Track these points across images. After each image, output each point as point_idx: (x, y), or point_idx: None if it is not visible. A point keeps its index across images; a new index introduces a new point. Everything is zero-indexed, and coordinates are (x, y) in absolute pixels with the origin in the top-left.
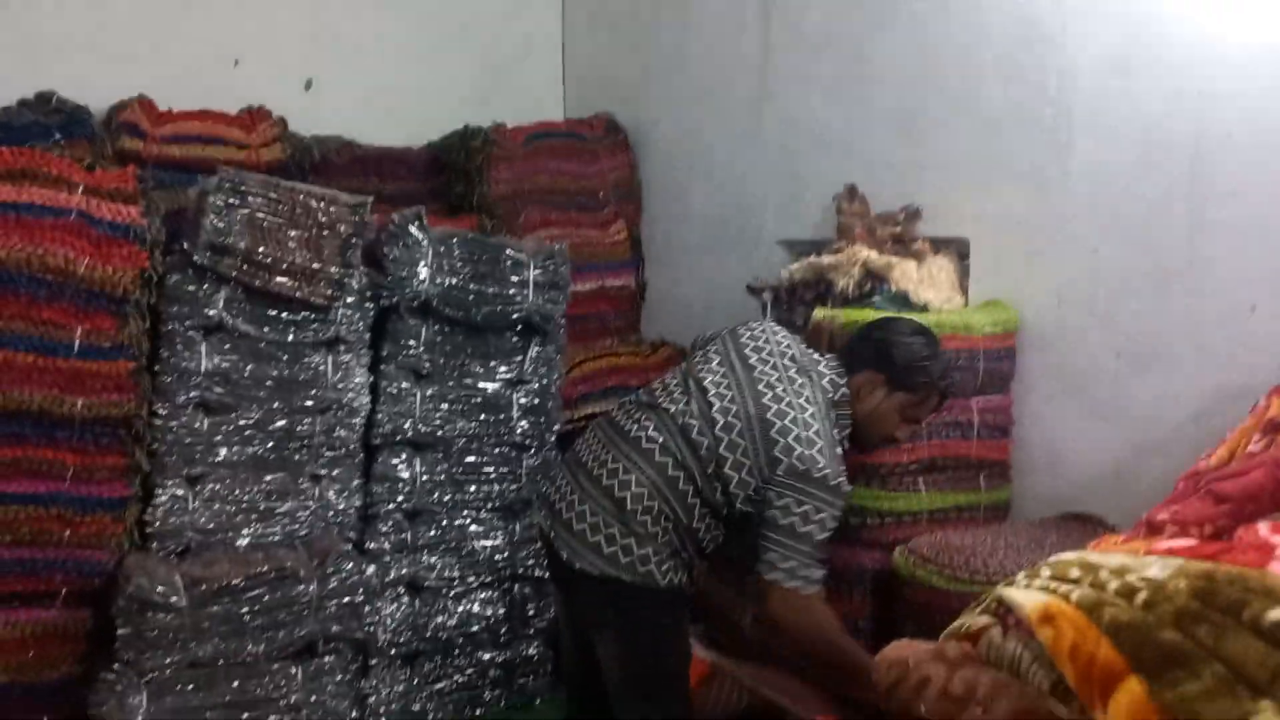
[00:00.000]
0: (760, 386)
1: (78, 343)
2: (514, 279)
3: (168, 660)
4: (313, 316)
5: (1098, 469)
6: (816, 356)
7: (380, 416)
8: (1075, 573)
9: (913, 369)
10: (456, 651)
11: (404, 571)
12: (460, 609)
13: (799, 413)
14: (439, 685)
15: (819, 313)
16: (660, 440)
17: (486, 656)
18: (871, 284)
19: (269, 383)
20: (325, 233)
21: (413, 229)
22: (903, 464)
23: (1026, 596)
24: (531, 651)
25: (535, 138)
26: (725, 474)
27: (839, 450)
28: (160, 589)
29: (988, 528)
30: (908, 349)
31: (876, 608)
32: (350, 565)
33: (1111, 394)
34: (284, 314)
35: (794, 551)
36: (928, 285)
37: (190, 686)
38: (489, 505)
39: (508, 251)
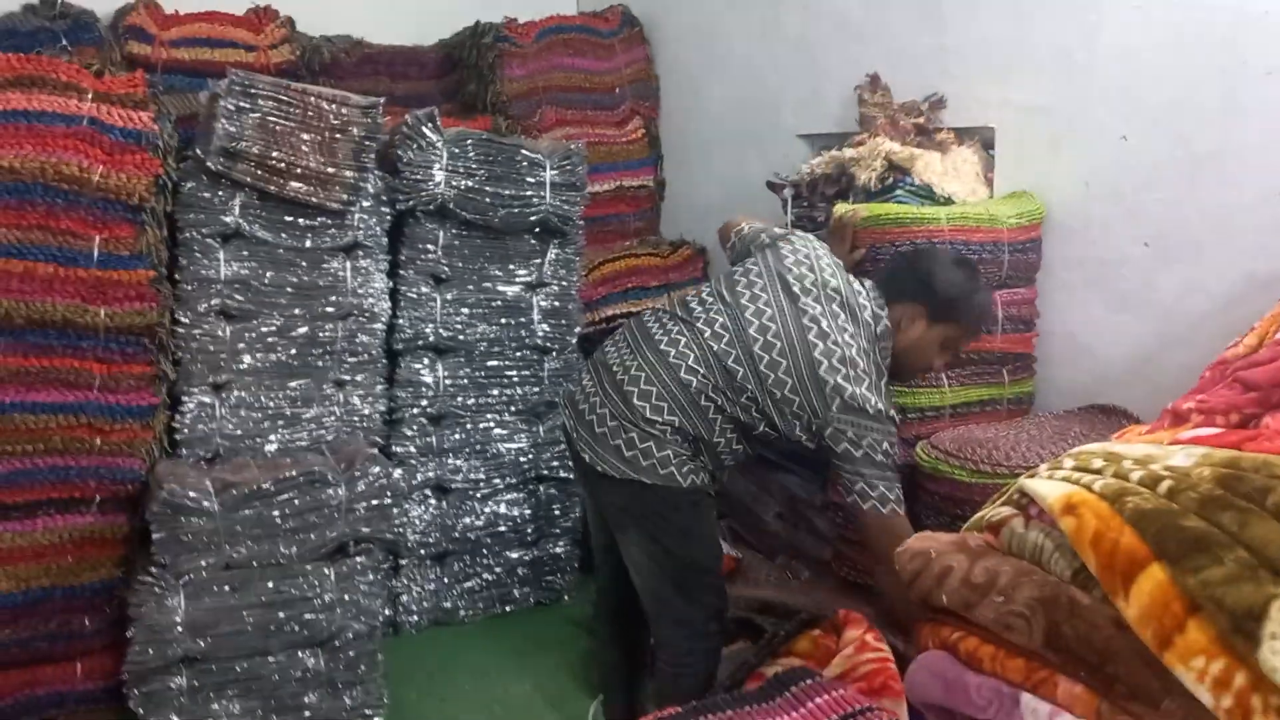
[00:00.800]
0: (805, 320)
1: (96, 252)
2: (530, 180)
3: (203, 563)
4: (329, 222)
5: (1123, 360)
6: (858, 287)
7: (401, 321)
8: (1098, 463)
9: (956, 303)
10: (484, 551)
11: (430, 474)
12: (487, 510)
13: (845, 349)
14: (468, 584)
15: (840, 207)
16: (689, 359)
17: (514, 555)
18: (894, 177)
19: (289, 289)
20: (338, 136)
21: (426, 130)
22: None
23: (1049, 487)
24: (558, 550)
25: (548, 32)
26: (769, 404)
27: (884, 381)
28: (192, 494)
29: (1011, 421)
30: (950, 282)
31: None
32: (377, 469)
33: (1138, 284)
34: (300, 220)
35: (878, 478)
36: (952, 177)
37: (226, 588)
38: (512, 408)
39: (524, 152)
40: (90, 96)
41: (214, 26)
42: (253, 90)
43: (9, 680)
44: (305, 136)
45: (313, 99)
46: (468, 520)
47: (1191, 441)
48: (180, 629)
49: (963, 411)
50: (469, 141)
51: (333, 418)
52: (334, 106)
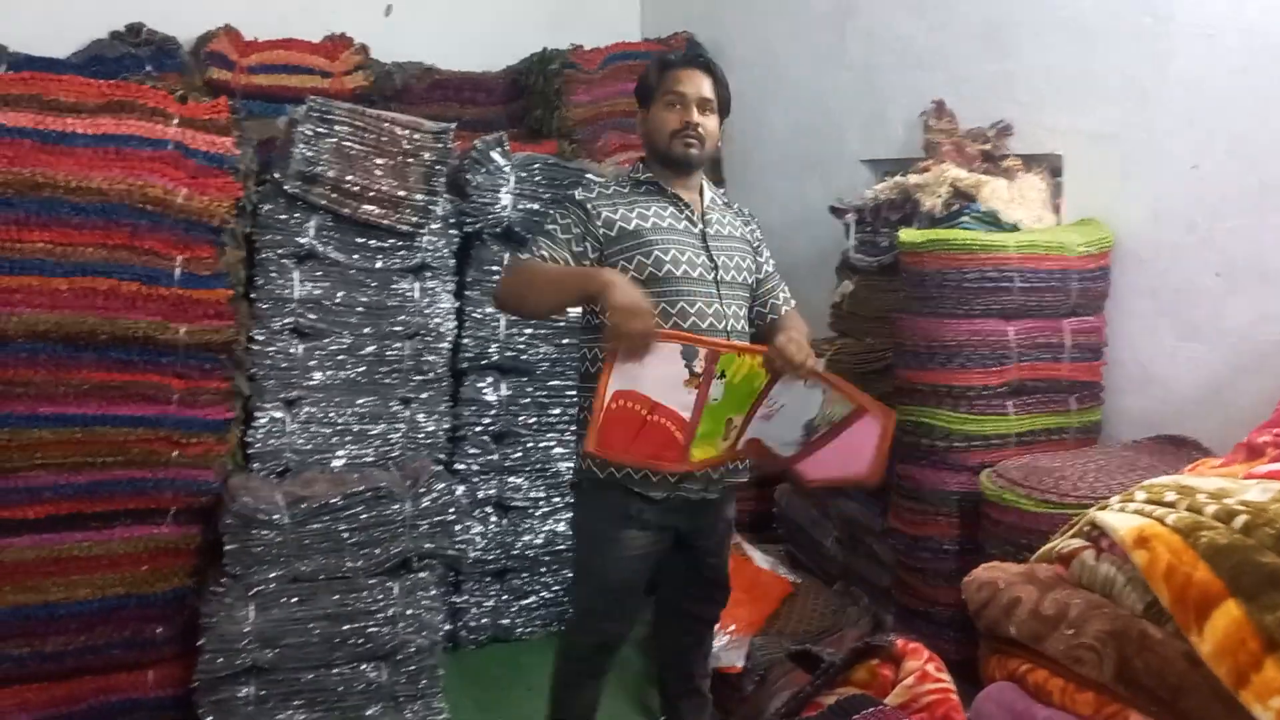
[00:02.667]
0: None
1: (178, 271)
2: None
3: (272, 574)
4: (399, 243)
5: (1193, 390)
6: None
7: (466, 341)
8: (1171, 496)
9: (642, 86)
10: (543, 569)
11: (491, 492)
12: (546, 528)
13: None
14: (527, 600)
15: (904, 234)
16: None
17: (571, 574)
18: (960, 203)
19: (359, 309)
20: (410, 160)
21: (495, 155)
22: (990, 386)
23: (1121, 520)
24: None
25: (613, 59)
26: None
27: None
28: (263, 507)
29: (1078, 450)
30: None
31: (961, 530)
32: (442, 485)
33: (1209, 313)
34: (371, 241)
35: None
36: (1018, 204)
37: (294, 600)
38: (572, 427)
39: (588, 176)
40: (175, 121)
41: (291, 53)
42: (329, 116)
43: (84, 686)
44: (379, 161)
45: (386, 124)
46: (527, 538)
47: (1268, 476)
48: (249, 639)
49: (1028, 440)
50: (536, 166)
51: (398, 434)
52: (406, 132)
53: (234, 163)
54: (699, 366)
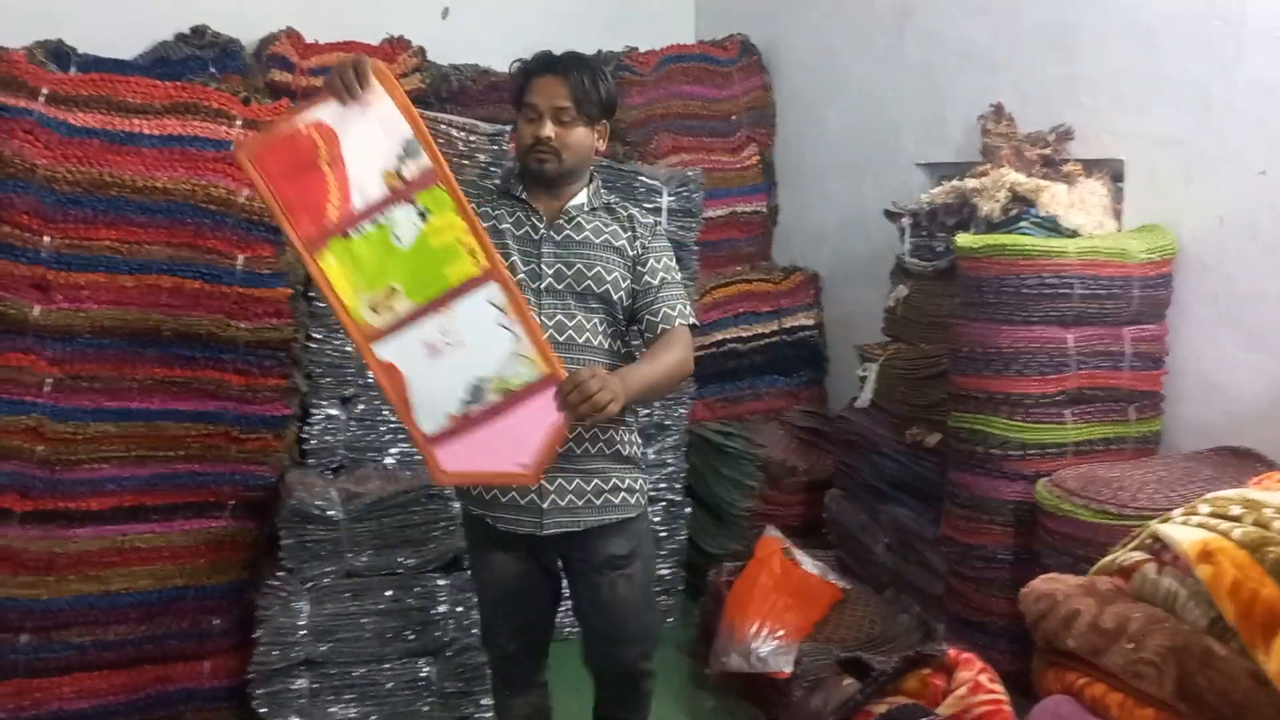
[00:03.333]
0: None
1: (240, 270)
2: (648, 205)
3: (327, 569)
4: None
5: (1257, 401)
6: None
7: None
8: (1236, 510)
9: (515, 92)
10: None
11: None
12: None
13: None
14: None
15: (961, 238)
16: None
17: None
18: (1018, 208)
19: None
20: (465, 162)
21: None
22: (1048, 394)
23: (1184, 533)
24: (664, 571)
25: (667, 61)
26: None
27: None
28: (319, 503)
29: (1137, 461)
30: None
31: (1016, 540)
32: None
33: (1274, 322)
34: None
35: None
36: (1079, 209)
37: (347, 595)
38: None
39: (641, 178)
40: (239, 123)
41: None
42: None
43: (144, 675)
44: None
45: (443, 126)
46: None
47: None
48: (304, 633)
49: (1086, 449)
50: (590, 169)
51: None
52: (463, 134)
53: None
54: (409, 171)
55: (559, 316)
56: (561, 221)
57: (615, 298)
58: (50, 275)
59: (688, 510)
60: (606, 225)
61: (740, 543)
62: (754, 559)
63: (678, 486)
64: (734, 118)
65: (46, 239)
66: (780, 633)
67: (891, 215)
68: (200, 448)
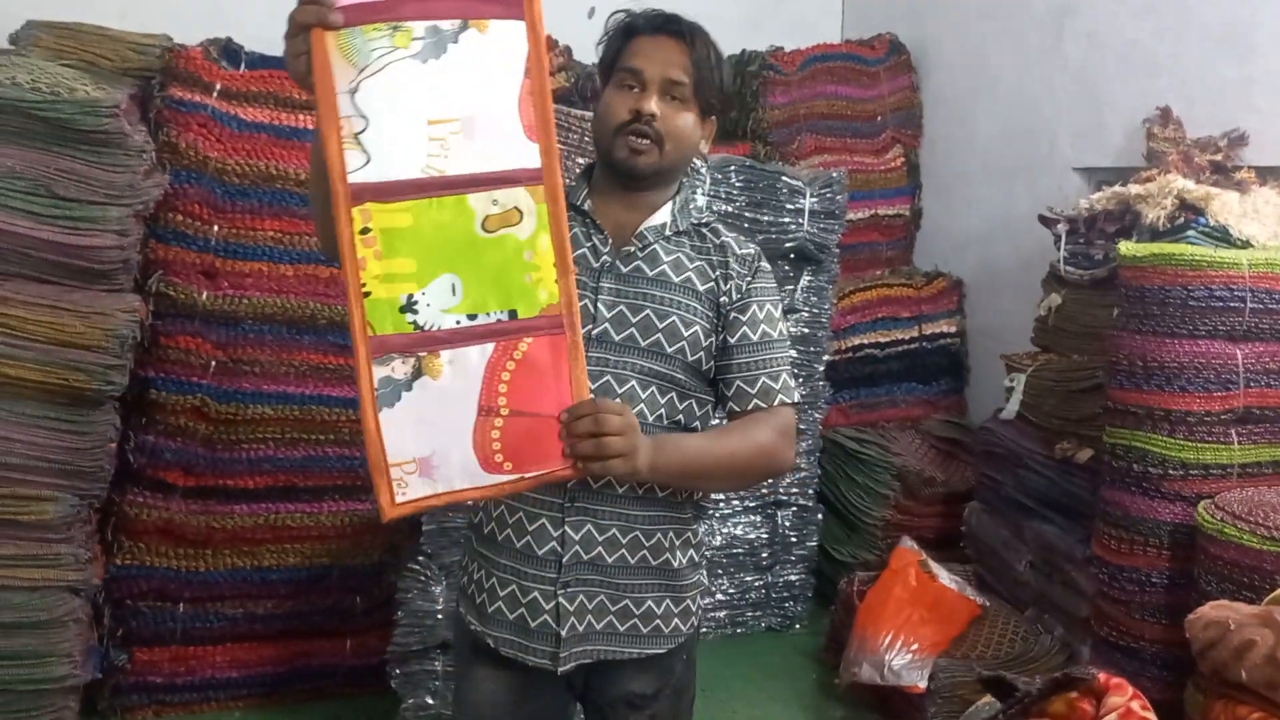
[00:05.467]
0: None
1: None
2: (789, 207)
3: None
4: None
5: None
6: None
7: None
8: None
9: (603, 56)
10: (720, 572)
11: None
12: (724, 530)
13: None
14: (703, 601)
15: (1124, 247)
16: None
17: (748, 579)
18: (1185, 217)
19: None
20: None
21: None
22: (1213, 412)
23: None
24: (792, 577)
25: (812, 60)
26: None
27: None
28: None
29: None
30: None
31: (1172, 563)
32: None
33: None
34: None
35: None
36: (1252, 219)
37: None
38: None
39: (784, 179)
40: None
41: None
42: None
43: (290, 649)
44: (580, 160)
45: (588, 124)
46: (706, 539)
47: None
48: (440, 615)
49: (1253, 471)
50: (732, 168)
51: None
52: None
53: None
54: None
55: (607, 377)
56: (633, 248)
57: (692, 359)
58: (218, 263)
59: (819, 516)
60: (691, 259)
61: (872, 552)
62: (888, 570)
63: (810, 492)
64: (879, 118)
65: (215, 228)
66: (915, 646)
67: (1046, 221)
68: (349, 432)
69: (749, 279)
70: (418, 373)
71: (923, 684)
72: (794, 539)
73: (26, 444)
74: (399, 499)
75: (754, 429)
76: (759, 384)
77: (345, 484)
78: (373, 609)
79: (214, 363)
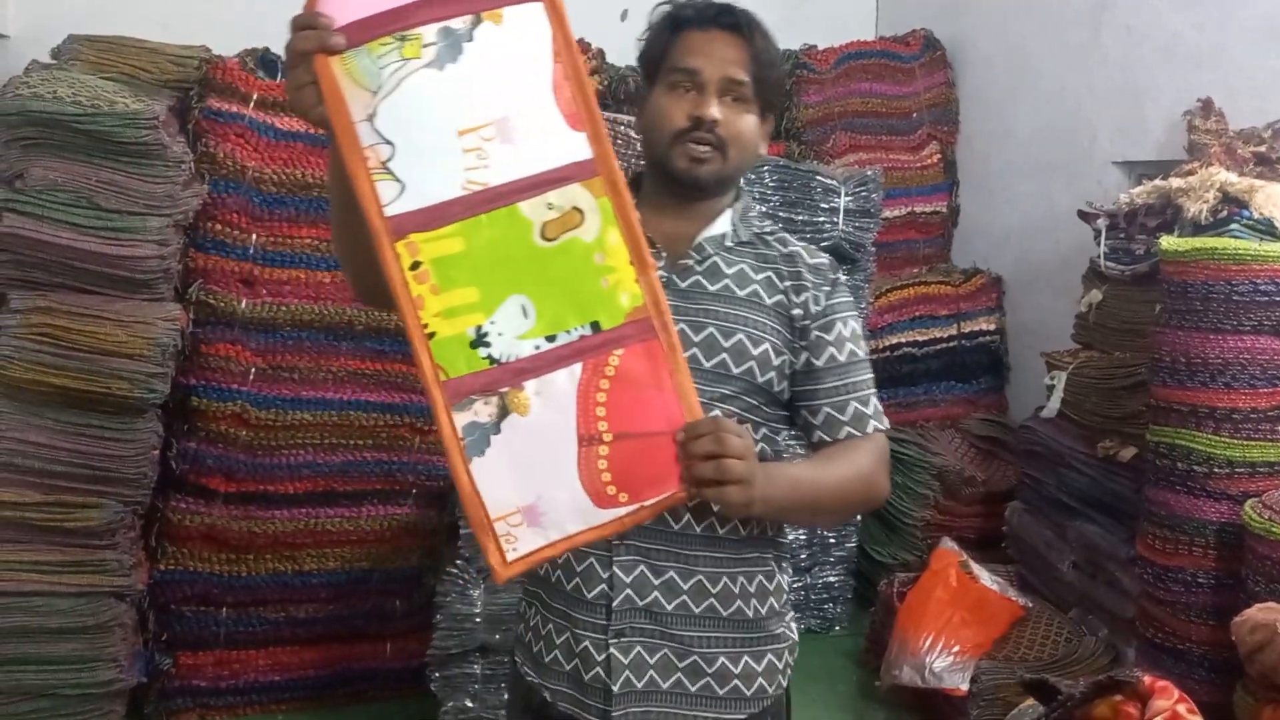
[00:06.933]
0: None
1: None
2: (824, 206)
3: None
4: None
5: None
6: None
7: None
8: None
9: (647, 52)
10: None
11: None
12: None
13: None
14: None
15: (1166, 241)
16: None
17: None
18: (1228, 210)
19: None
20: (642, 163)
21: None
22: (1259, 409)
23: None
24: (832, 578)
25: (847, 58)
26: None
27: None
28: None
29: None
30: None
31: (1218, 563)
32: None
33: None
34: None
35: None
36: None
37: (518, 585)
38: (793, 432)
39: (818, 178)
40: None
41: None
42: None
43: (331, 653)
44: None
45: (621, 127)
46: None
47: None
48: (479, 619)
49: None
50: (765, 168)
51: None
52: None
53: None
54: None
55: None
56: (691, 261)
57: (762, 380)
58: (256, 271)
59: (858, 517)
60: (756, 271)
61: (912, 553)
62: (929, 571)
63: None
64: (915, 115)
65: (253, 236)
66: (956, 648)
67: (1086, 216)
68: (387, 438)
69: (828, 291)
70: (504, 411)
71: (964, 686)
72: (833, 540)
73: (71, 451)
74: (510, 556)
75: (857, 456)
76: (850, 410)
77: (384, 488)
78: (412, 612)
79: (254, 369)
